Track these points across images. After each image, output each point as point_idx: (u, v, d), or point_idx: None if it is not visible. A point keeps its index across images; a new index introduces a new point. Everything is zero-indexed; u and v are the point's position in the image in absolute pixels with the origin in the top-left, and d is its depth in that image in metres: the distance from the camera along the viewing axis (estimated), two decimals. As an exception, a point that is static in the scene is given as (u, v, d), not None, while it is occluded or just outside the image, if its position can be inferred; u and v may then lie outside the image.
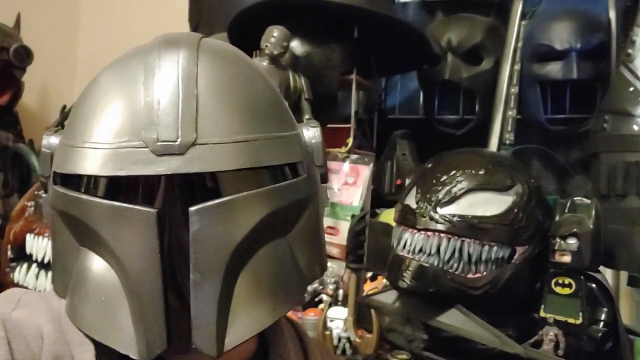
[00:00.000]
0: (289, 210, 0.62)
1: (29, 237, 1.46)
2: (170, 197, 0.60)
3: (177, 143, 0.55)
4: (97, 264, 0.59)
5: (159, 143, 0.55)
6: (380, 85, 2.00)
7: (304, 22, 1.57)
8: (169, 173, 0.55)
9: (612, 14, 1.63)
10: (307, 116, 1.42)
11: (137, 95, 0.58)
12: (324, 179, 0.69)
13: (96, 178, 0.60)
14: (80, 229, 0.60)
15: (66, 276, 0.62)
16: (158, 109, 0.57)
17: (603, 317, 1.13)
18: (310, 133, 0.67)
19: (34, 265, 1.46)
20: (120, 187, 0.61)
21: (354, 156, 1.62)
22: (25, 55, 2.06)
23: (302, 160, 0.64)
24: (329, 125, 1.67)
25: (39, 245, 1.44)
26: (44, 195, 0.66)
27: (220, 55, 0.63)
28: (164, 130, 0.56)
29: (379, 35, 1.66)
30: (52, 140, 0.63)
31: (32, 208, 1.50)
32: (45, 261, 1.43)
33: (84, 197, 0.59)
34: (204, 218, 0.55)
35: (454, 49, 1.72)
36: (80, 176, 0.60)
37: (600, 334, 1.11)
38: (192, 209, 0.55)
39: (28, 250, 1.46)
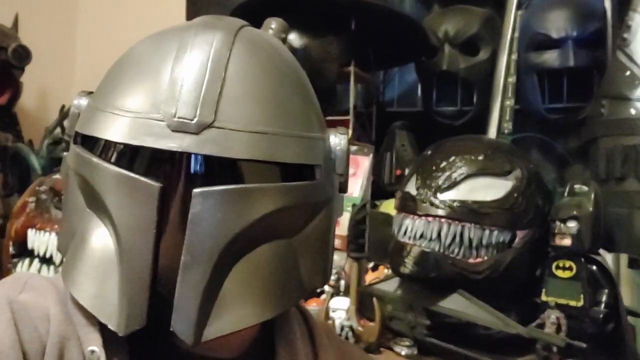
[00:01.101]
0: (297, 211, 0.61)
1: (31, 232, 1.45)
2: (175, 175, 0.59)
3: (193, 122, 0.55)
4: (98, 229, 0.59)
5: (175, 118, 0.55)
6: (378, 79, 2.01)
7: (301, 15, 1.57)
8: (180, 150, 0.55)
9: (607, 2, 1.64)
10: None
11: (165, 69, 0.58)
12: (343, 188, 0.67)
13: (111, 144, 0.60)
14: (88, 192, 0.60)
15: (70, 235, 0.62)
16: (182, 85, 0.56)
17: (604, 298, 1.13)
18: (337, 140, 0.65)
19: (36, 260, 1.45)
20: (133, 157, 0.60)
21: (353, 147, 1.62)
22: (24, 55, 2.07)
23: (321, 165, 0.62)
24: (327, 118, 1.66)
25: (40, 240, 1.44)
26: (65, 153, 0.66)
27: (258, 44, 0.62)
28: (183, 106, 0.56)
29: (376, 27, 1.67)
30: (82, 102, 0.64)
31: (34, 204, 1.49)
32: (47, 256, 1.42)
33: (95, 159, 0.59)
34: (206, 202, 0.55)
35: (451, 40, 1.73)
36: (98, 139, 0.60)
37: (601, 316, 1.12)
38: (195, 190, 0.55)
39: (30, 246, 1.45)
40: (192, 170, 0.59)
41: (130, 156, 0.60)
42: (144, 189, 0.55)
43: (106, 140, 0.59)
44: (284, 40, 1.49)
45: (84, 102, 0.64)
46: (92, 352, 0.58)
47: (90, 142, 0.62)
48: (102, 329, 0.59)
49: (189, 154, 0.57)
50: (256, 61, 0.60)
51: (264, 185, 0.58)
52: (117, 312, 0.56)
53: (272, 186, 0.59)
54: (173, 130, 0.55)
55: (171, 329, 0.54)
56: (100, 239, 0.59)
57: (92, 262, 0.58)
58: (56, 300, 0.61)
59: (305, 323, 0.75)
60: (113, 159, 0.60)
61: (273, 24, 1.47)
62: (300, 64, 1.65)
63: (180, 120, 0.55)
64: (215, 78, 0.57)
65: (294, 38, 1.58)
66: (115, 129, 0.57)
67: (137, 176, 0.56)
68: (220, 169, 0.59)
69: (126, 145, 0.59)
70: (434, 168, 1.23)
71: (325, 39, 1.62)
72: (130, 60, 0.62)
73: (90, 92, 0.65)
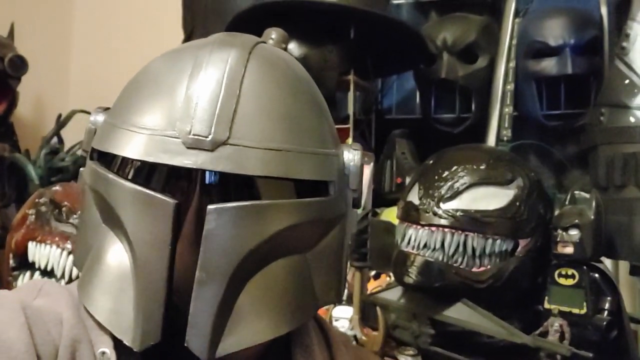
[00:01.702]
0: (311, 227, 0.62)
1: (31, 245, 1.45)
2: (192, 192, 0.60)
3: (208, 139, 0.56)
4: (113, 245, 0.60)
5: (190, 136, 0.56)
6: (376, 87, 2.01)
7: (300, 24, 1.58)
8: (194, 167, 0.56)
9: (604, 10, 1.65)
10: None
11: (180, 87, 0.59)
12: (356, 204, 0.68)
13: (128, 160, 0.61)
14: (104, 207, 0.61)
15: (86, 251, 0.63)
16: (197, 102, 0.57)
17: (607, 306, 1.14)
18: (351, 156, 0.66)
19: (37, 273, 1.44)
20: (149, 174, 0.62)
21: (353, 156, 1.62)
22: (20, 65, 2.06)
23: (335, 181, 0.63)
24: (327, 127, 1.67)
25: (41, 253, 1.43)
26: (81, 169, 0.67)
27: (272, 62, 0.63)
28: (198, 124, 0.56)
29: (375, 35, 1.67)
30: (98, 118, 0.65)
31: (33, 216, 1.49)
32: (48, 269, 1.42)
33: (111, 176, 0.60)
34: (221, 218, 0.55)
35: (449, 47, 1.74)
36: (114, 156, 0.62)
37: (605, 323, 1.12)
38: (210, 207, 0.56)
39: (30, 258, 1.45)
40: (207, 187, 0.59)
41: (147, 173, 0.62)
42: (160, 205, 0.56)
43: (123, 157, 0.61)
44: (285, 50, 1.50)
45: (100, 118, 0.65)
46: (103, 353, 0.59)
47: (106, 159, 0.63)
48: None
49: (204, 171, 0.58)
50: (271, 78, 0.61)
51: (278, 202, 0.59)
52: (132, 328, 0.56)
53: (286, 202, 0.59)
54: (188, 147, 0.56)
55: (185, 344, 0.55)
56: (115, 254, 0.60)
57: (108, 278, 0.59)
58: (69, 305, 0.62)
59: (321, 330, 0.76)
60: (130, 176, 0.62)
61: (273, 34, 1.47)
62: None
63: (196, 137, 0.56)
64: (230, 95, 0.58)
65: (293, 47, 1.58)
66: (132, 146, 0.58)
67: (153, 192, 0.57)
68: (235, 186, 0.60)
69: (143, 162, 0.60)
70: (436, 177, 1.24)
71: (325, 47, 1.62)
72: (147, 78, 0.63)
73: (107, 108, 0.66)
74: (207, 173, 0.59)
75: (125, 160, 0.62)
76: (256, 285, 0.58)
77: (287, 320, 0.60)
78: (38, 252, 1.43)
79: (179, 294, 0.57)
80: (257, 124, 0.58)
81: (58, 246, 1.41)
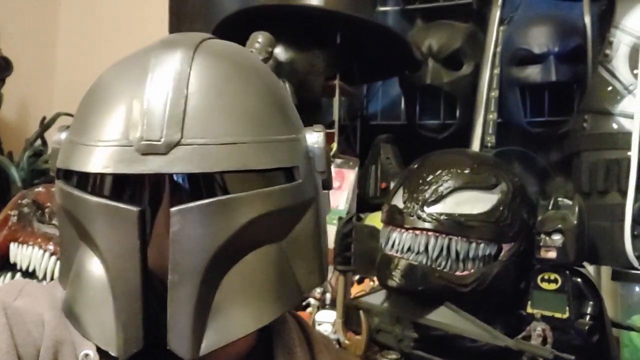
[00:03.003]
0: (281, 215, 0.61)
1: (13, 246, 1.43)
2: (157, 197, 0.60)
3: (160, 142, 0.56)
4: (90, 260, 0.60)
5: (143, 142, 0.56)
6: (362, 92, 2.02)
7: (287, 28, 1.58)
8: (151, 172, 0.56)
9: (587, 19, 1.67)
10: None
11: (130, 95, 0.59)
12: (327, 185, 0.68)
13: (90, 175, 0.61)
14: (75, 224, 0.61)
15: (68, 268, 0.64)
16: (147, 108, 0.57)
17: (589, 310, 1.15)
18: (314, 138, 0.66)
19: (18, 274, 1.43)
20: (114, 185, 0.62)
21: (338, 160, 1.63)
22: (4, 67, 2.05)
23: (298, 166, 0.63)
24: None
25: (23, 254, 1.41)
26: (52, 189, 0.67)
27: (219, 56, 0.63)
28: (148, 129, 0.56)
29: (361, 41, 1.68)
30: (62, 136, 0.64)
31: (15, 217, 1.47)
32: (30, 270, 1.40)
33: (76, 192, 0.60)
34: (185, 219, 0.55)
35: (435, 54, 1.75)
36: (78, 173, 0.61)
37: (587, 327, 1.13)
38: (173, 209, 0.56)
39: (12, 260, 1.43)
40: (175, 190, 0.60)
41: (113, 185, 0.62)
42: (124, 215, 0.56)
43: (82, 172, 0.60)
44: (271, 54, 1.51)
45: (63, 136, 0.64)
46: (86, 355, 0.59)
47: (71, 176, 0.63)
48: None
49: (167, 175, 0.59)
50: (218, 73, 0.61)
51: (241, 195, 0.59)
52: (114, 338, 0.57)
53: (250, 194, 0.59)
54: (143, 154, 0.56)
55: (168, 348, 0.56)
56: (93, 269, 0.60)
57: (89, 293, 0.60)
58: (51, 306, 0.63)
59: (302, 331, 0.76)
60: (93, 190, 0.62)
61: (260, 37, 1.48)
62: (286, 78, 1.66)
63: (148, 143, 0.56)
64: (177, 96, 0.58)
65: (279, 51, 1.59)
66: (91, 161, 0.58)
67: (115, 203, 0.57)
68: (200, 185, 0.60)
69: (105, 175, 0.60)
70: (420, 181, 1.24)
71: (311, 52, 1.63)
72: (98, 91, 0.63)
73: (68, 127, 0.65)
74: (174, 176, 0.59)
75: (89, 176, 0.62)
76: (232, 280, 0.58)
77: (269, 310, 0.60)
78: (20, 253, 1.42)
79: (158, 299, 0.57)
80: (209, 120, 0.58)
81: (40, 247, 1.39)
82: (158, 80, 0.59)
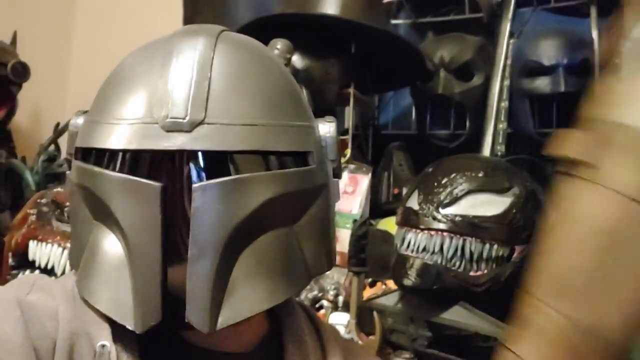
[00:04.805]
0: (295, 198, 0.64)
1: (32, 244, 1.45)
2: (177, 174, 0.62)
3: (185, 120, 0.58)
4: (107, 238, 0.62)
5: (168, 120, 0.58)
6: (374, 102, 2.06)
7: (303, 37, 1.62)
8: (175, 149, 0.58)
9: (595, 33, 1.71)
10: None
11: (154, 76, 0.61)
12: (337, 174, 0.70)
13: (111, 153, 0.63)
14: (93, 202, 0.63)
15: (80, 250, 0.65)
16: (171, 88, 0.60)
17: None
18: (326, 127, 0.68)
19: (37, 272, 1.45)
20: (134, 162, 0.63)
21: (352, 166, 1.66)
22: (22, 72, 2.09)
23: (313, 151, 0.65)
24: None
25: (42, 252, 1.43)
26: (67, 172, 0.69)
27: (239, 44, 0.66)
28: (173, 107, 0.59)
29: (374, 51, 1.72)
30: (78, 120, 0.67)
31: (35, 216, 1.49)
32: (49, 267, 1.42)
33: (96, 169, 0.62)
34: (206, 195, 0.57)
35: (446, 65, 1.79)
36: (98, 151, 0.63)
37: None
38: (195, 185, 0.58)
39: (31, 257, 1.45)
40: (191, 167, 0.62)
41: (133, 162, 0.63)
42: (146, 190, 0.58)
43: (108, 150, 0.62)
44: (289, 60, 1.54)
45: (80, 120, 0.67)
46: (103, 346, 0.60)
47: (90, 155, 0.64)
48: (112, 324, 0.61)
49: (188, 152, 0.61)
50: (239, 59, 0.64)
51: (260, 174, 0.61)
52: (132, 312, 0.58)
53: (268, 174, 0.62)
54: (167, 131, 0.58)
55: (186, 321, 0.57)
56: (109, 246, 0.62)
57: (105, 268, 0.61)
58: (64, 299, 0.64)
59: (311, 322, 0.78)
60: (115, 167, 0.63)
61: (279, 44, 1.53)
62: (302, 85, 1.69)
63: (173, 120, 0.58)
64: (202, 78, 0.60)
65: (296, 59, 1.62)
66: (113, 138, 0.60)
67: (138, 178, 0.59)
68: (218, 164, 0.62)
69: (128, 152, 0.62)
70: (435, 184, 1.27)
71: (327, 61, 1.67)
72: (121, 73, 0.65)
73: (86, 111, 0.67)
74: (193, 153, 0.61)
75: (110, 153, 0.63)
76: (248, 259, 0.60)
77: (281, 289, 0.62)
78: (39, 251, 1.44)
79: (175, 275, 0.59)
80: (231, 102, 0.60)
81: (59, 245, 1.41)
82: (182, 62, 0.61)
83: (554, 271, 0.81)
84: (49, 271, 1.45)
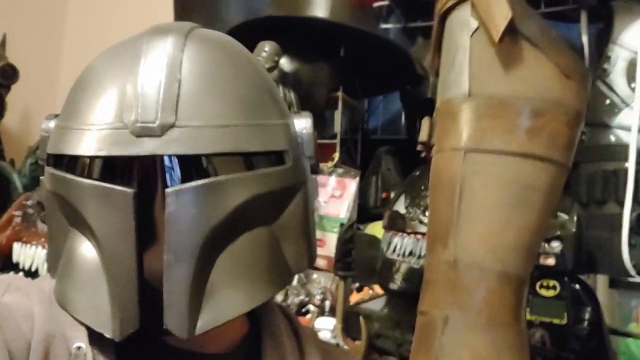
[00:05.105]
0: (272, 198, 0.63)
1: (16, 246, 1.45)
2: (150, 179, 0.60)
3: (155, 125, 0.56)
4: (82, 245, 0.61)
5: (138, 124, 0.57)
6: (363, 107, 2.05)
7: (292, 40, 1.62)
8: (146, 154, 0.56)
9: (585, 39, 1.70)
10: None
11: (123, 79, 0.60)
12: (315, 170, 0.69)
13: (83, 159, 0.61)
14: (67, 209, 0.61)
15: (57, 256, 0.64)
16: (141, 92, 0.58)
17: (587, 316, 1.17)
18: (302, 123, 0.66)
19: (21, 274, 1.44)
20: (106, 168, 0.61)
21: (340, 170, 1.65)
22: (11, 74, 2.09)
23: (288, 150, 0.64)
24: (315, 142, 1.70)
25: (26, 254, 1.43)
26: (41, 178, 0.67)
27: (210, 42, 0.64)
28: (143, 112, 0.57)
29: (364, 54, 1.71)
30: (50, 125, 0.65)
31: (20, 218, 1.49)
32: (33, 269, 1.42)
33: (69, 176, 0.60)
34: (180, 200, 0.56)
35: (436, 70, 1.78)
36: (70, 157, 0.61)
37: (585, 333, 1.15)
38: (168, 190, 0.57)
39: (15, 259, 1.44)
40: (165, 172, 0.60)
41: (105, 168, 0.61)
42: (119, 196, 0.57)
43: (78, 157, 0.61)
44: (277, 63, 1.53)
45: (52, 124, 0.65)
46: (79, 348, 0.59)
47: (62, 161, 0.63)
48: (88, 327, 0.60)
49: (160, 157, 0.59)
50: (210, 59, 0.62)
51: (235, 176, 0.60)
52: (110, 319, 0.57)
53: (242, 176, 0.60)
54: (137, 136, 0.57)
55: (164, 327, 0.56)
56: (85, 253, 0.60)
57: (81, 276, 0.60)
58: (40, 300, 0.62)
59: (290, 323, 0.77)
60: (86, 174, 0.61)
61: (266, 46, 1.52)
62: (291, 88, 1.67)
63: (143, 125, 0.57)
64: (171, 80, 0.59)
65: (284, 62, 1.62)
66: (83, 144, 0.59)
67: (110, 185, 0.58)
68: (192, 166, 0.60)
69: (98, 158, 0.60)
70: (422, 187, 1.27)
71: (316, 64, 1.66)
72: (89, 77, 0.64)
73: (57, 115, 0.66)
74: (165, 158, 0.59)
75: (82, 160, 0.61)
76: (226, 262, 0.59)
77: (261, 290, 0.61)
78: (23, 253, 1.44)
79: (153, 281, 0.58)
80: (202, 103, 0.59)
81: (44, 247, 1.41)
82: (151, 64, 0.60)
83: (434, 224, 0.98)
84: (32, 273, 1.44)
